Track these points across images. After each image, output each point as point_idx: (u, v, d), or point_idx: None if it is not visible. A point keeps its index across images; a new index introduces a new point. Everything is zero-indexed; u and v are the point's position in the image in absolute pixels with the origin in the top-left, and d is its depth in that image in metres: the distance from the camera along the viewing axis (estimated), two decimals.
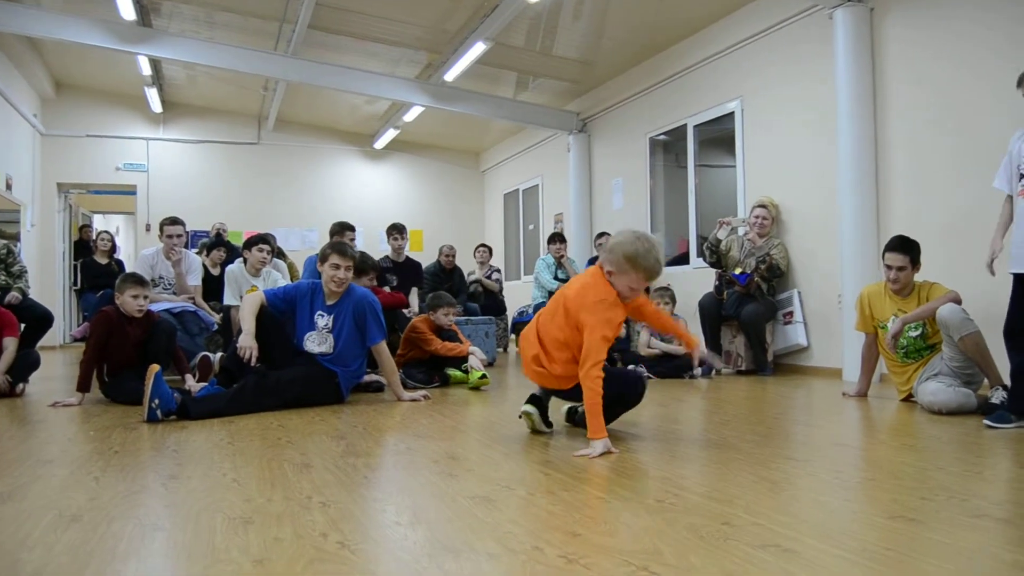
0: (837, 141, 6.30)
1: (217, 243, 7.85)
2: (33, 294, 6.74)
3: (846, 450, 3.46)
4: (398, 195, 14.08)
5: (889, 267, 4.71)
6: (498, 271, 10.44)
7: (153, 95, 11.71)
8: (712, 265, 7.17)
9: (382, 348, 5.05)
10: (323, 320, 5.00)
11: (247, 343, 4.71)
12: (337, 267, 4.91)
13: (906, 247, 4.70)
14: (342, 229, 6.95)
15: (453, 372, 6.11)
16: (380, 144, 13.51)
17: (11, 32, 8.91)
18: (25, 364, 5.72)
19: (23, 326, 5.98)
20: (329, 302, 5.03)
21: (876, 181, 6.17)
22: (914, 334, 4.70)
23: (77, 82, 12.24)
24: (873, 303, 4.89)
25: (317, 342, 4.98)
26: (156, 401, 4.14)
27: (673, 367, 6.52)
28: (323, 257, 4.99)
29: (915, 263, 4.71)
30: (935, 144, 5.77)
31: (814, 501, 2.48)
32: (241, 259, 6.89)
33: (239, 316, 5.07)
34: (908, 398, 4.78)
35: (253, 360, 4.69)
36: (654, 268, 3.40)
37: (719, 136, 8.48)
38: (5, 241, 6.84)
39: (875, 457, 3.32)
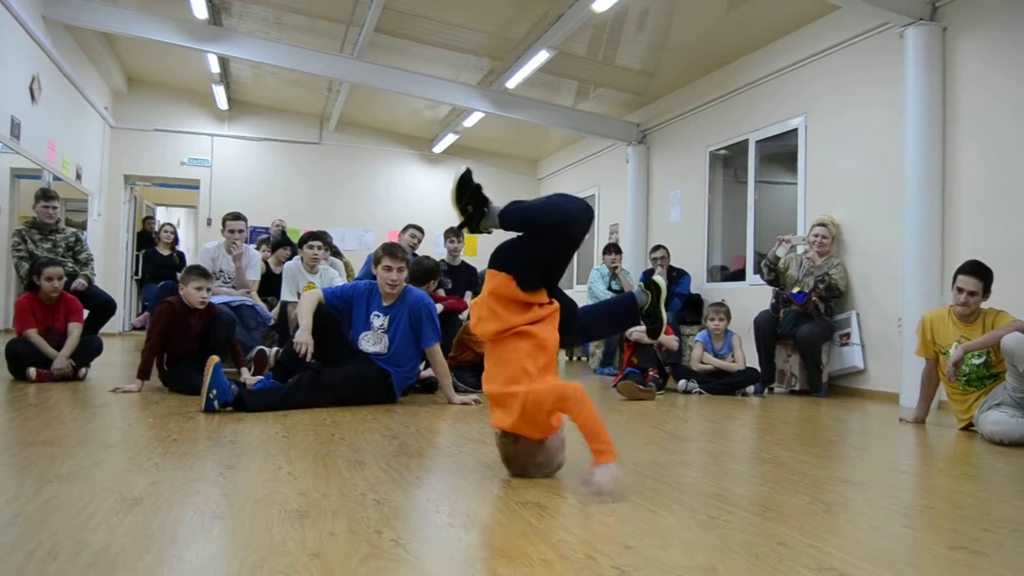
0: (904, 162, 6.18)
1: (283, 242, 7.96)
2: (97, 282, 6.91)
3: (904, 476, 3.39)
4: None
5: (960, 290, 4.60)
6: None
7: (220, 92, 11.95)
8: (770, 283, 7.09)
9: (436, 351, 5.09)
10: (379, 320, 5.06)
11: (304, 339, 4.79)
12: (389, 269, 4.97)
13: (981, 272, 4.59)
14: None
15: None
16: (439, 148, 13.60)
17: (88, 27, 9.20)
18: (88, 349, 5.88)
19: (87, 312, 6.14)
20: (385, 303, 5.08)
21: (943, 204, 6.04)
22: (977, 362, 4.58)
23: (148, 77, 12.54)
24: (936, 328, 4.78)
25: (372, 342, 5.03)
26: (214, 392, 4.23)
27: (725, 383, 6.45)
28: (376, 259, 5.08)
29: (987, 290, 4.61)
30: (1007, 168, 5.63)
31: (871, 527, 2.44)
32: (298, 256, 6.99)
33: (297, 312, 5.15)
34: (968, 427, 4.66)
35: (309, 356, 4.76)
36: None
37: (781, 152, 8.38)
38: (74, 229, 7.04)
39: (934, 485, 3.25)
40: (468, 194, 3.09)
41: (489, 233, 3.13)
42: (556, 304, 2.91)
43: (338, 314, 5.10)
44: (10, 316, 6.55)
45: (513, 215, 2.96)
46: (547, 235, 2.87)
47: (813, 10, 7.20)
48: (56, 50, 8.81)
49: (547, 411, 2.67)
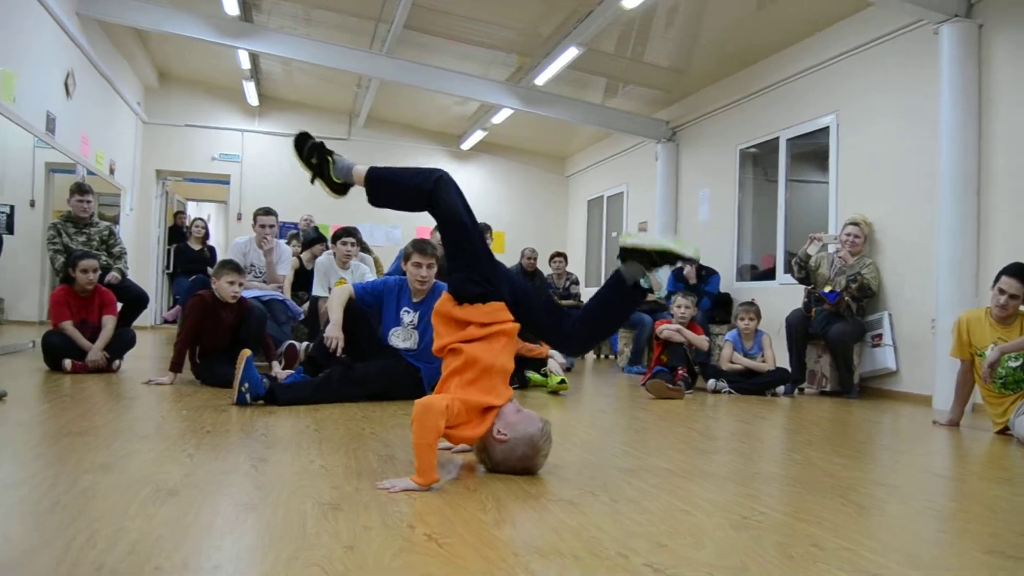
0: (939, 161, 6.10)
1: (317, 238, 7.99)
2: (129, 275, 7.00)
3: (938, 480, 3.35)
4: (482, 196, 14.13)
5: (1002, 291, 4.54)
6: (576, 282, 10.32)
7: (250, 88, 12.04)
8: (800, 281, 7.03)
9: None
10: (408, 316, 5.07)
11: (334, 333, 4.81)
12: (419, 265, 4.96)
13: None
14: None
15: (532, 375, 6.12)
16: (467, 145, 13.62)
17: (121, 24, 9.31)
18: (122, 342, 5.95)
19: (120, 305, 6.22)
20: (415, 299, 5.09)
21: (978, 204, 5.96)
22: (1014, 364, 4.52)
23: (179, 73, 12.67)
24: (972, 329, 4.72)
25: (402, 338, 5.05)
26: (246, 385, 4.26)
27: (755, 383, 6.41)
28: (406, 256, 5.07)
29: None
30: None
31: (906, 530, 2.41)
32: (330, 251, 7.03)
33: (327, 307, 5.18)
34: (1004, 431, 4.59)
35: (339, 351, 4.79)
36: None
37: (812, 151, 8.30)
38: (108, 223, 7.13)
39: (969, 489, 3.21)
40: (308, 148, 3.18)
41: (343, 193, 3.20)
42: (509, 323, 2.91)
43: (368, 309, 5.12)
44: (46, 308, 6.65)
45: (377, 171, 3.09)
46: (418, 206, 3.06)
47: (846, 7, 7.12)
48: (90, 46, 8.92)
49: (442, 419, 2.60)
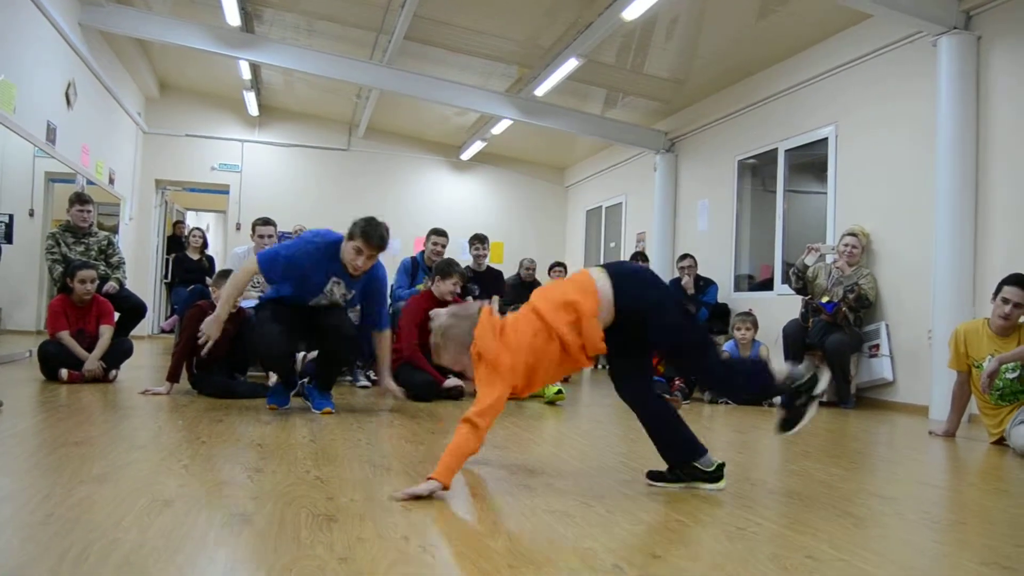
0: (935, 172, 6.11)
1: None
2: (127, 285, 7.00)
3: (934, 490, 3.35)
4: (481, 207, 14.17)
5: (1006, 301, 4.53)
6: None
7: (251, 99, 12.07)
8: (798, 291, 7.04)
9: (386, 336, 4.98)
10: (340, 289, 4.67)
11: (211, 331, 4.54)
12: (360, 252, 4.44)
13: None
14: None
15: None
16: (467, 156, 13.65)
17: (123, 34, 9.34)
18: (118, 351, 5.95)
19: (118, 315, 6.22)
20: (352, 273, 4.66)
21: (975, 215, 5.97)
22: (1012, 375, 4.52)
23: (180, 83, 12.70)
24: (969, 341, 4.72)
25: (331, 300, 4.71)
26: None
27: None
28: (350, 235, 4.47)
29: None
30: None
31: (901, 541, 2.41)
32: None
33: (222, 291, 4.80)
34: (1000, 441, 4.59)
35: (205, 350, 4.57)
36: None
37: (810, 162, 8.32)
38: (107, 233, 7.13)
39: (965, 500, 3.21)
40: None
41: None
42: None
43: (280, 281, 4.65)
44: (43, 318, 6.65)
45: None
46: None
47: (844, 19, 7.15)
48: (92, 56, 8.95)
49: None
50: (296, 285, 4.58)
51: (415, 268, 7.24)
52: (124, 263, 7.00)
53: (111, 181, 10.35)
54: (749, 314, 6.90)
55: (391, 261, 8.95)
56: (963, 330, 4.80)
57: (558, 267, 10.26)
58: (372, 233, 4.42)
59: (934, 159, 6.15)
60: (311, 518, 2.21)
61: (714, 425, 5.21)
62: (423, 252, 7.29)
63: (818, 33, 7.58)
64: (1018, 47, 5.82)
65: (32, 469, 2.82)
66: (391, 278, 7.65)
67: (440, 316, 2.92)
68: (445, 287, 5.98)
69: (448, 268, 6.04)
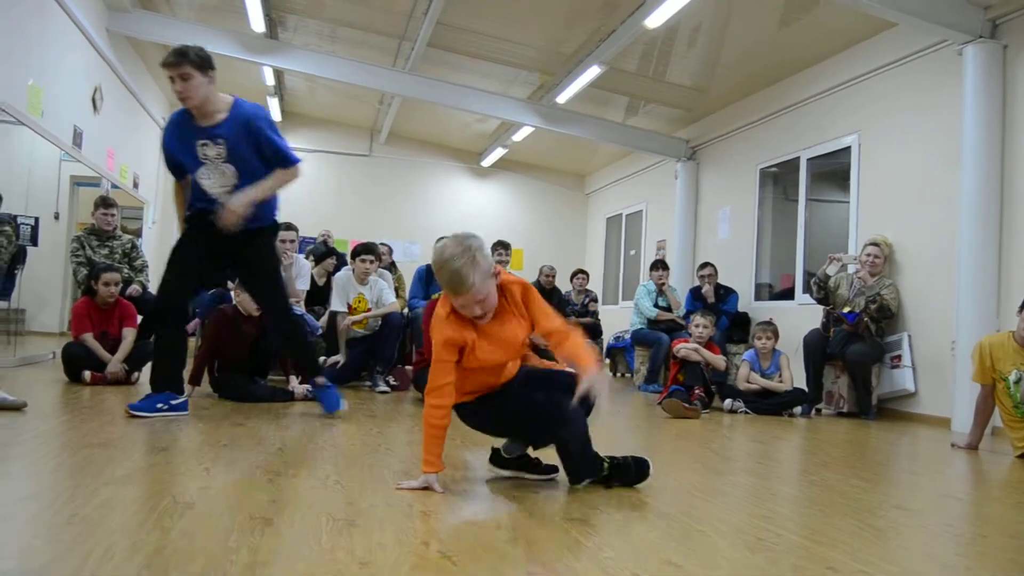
0: (960, 182, 6.06)
1: (328, 252, 8.05)
2: (151, 288, 7.05)
3: (957, 503, 3.31)
4: (501, 213, 14.19)
5: None
6: (595, 300, 10.32)
7: (274, 104, 12.15)
8: (819, 301, 7.00)
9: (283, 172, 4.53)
10: (212, 150, 4.18)
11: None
12: (171, 81, 4.04)
13: None
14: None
15: None
16: (487, 162, 13.68)
17: (148, 39, 9.44)
18: (141, 354, 5.99)
19: (141, 318, 6.28)
20: (204, 123, 4.14)
21: (1000, 226, 5.92)
22: None
23: None
24: (995, 354, 4.67)
25: (214, 181, 4.27)
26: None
27: (772, 404, 6.38)
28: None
29: None
30: None
31: (924, 554, 2.39)
32: (350, 268, 7.06)
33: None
34: None
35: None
36: (447, 281, 2.61)
37: (833, 171, 8.28)
38: (131, 236, 7.21)
39: (989, 513, 3.18)
40: None
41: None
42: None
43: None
44: (67, 320, 6.72)
45: None
46: None
47: (868, 27, 7.11)
48: (118, 61, 9.05)
49: None
50: (181, 175, 4.35)
51: (430, 276, 7.26)
52: (147, 266, 7.07)
53: (135, 185, 10.44)
54: (770, 323, 6.87)
55: (408, 269, 9.02)
56: (988, 343, 4.75)
57: (581, 274, 10.26)
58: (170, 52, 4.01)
59: (959, 169, 6.11)
60: (331, 522, 2.22)
61: (734, 435, 5.19)
62: None
63: (841, 42, 7.54)
64: None
65: (56, 470, 2.85)
66: (407, 287, 7.65)
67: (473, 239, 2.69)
68: None
69: None
